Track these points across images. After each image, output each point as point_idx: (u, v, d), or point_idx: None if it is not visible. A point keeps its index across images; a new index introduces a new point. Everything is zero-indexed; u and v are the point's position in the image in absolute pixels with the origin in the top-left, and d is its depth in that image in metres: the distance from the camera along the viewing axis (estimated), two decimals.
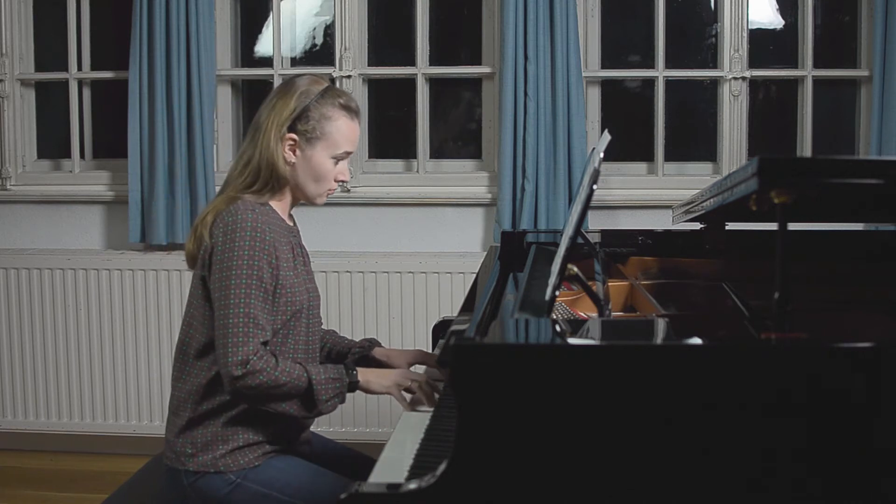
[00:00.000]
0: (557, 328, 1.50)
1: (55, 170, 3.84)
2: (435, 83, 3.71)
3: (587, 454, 1.34)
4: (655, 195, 3.50)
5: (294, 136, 1.93)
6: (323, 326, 2.25)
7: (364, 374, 1.95)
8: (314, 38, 3.85)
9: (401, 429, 1.79)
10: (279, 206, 1.98)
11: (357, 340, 2.22)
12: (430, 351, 2.42)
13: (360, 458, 2.13)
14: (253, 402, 1.84)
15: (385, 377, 1.98)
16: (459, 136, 3.82)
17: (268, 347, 1.87)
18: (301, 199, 2.02)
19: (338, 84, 3.60)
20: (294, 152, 1.94)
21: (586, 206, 1.78)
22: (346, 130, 1.96)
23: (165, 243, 3.53)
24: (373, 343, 2.20)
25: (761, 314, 1.77)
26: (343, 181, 2.01)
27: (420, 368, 2.18)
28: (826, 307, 2.01)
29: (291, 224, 2.04)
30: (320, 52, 3.81)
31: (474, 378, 1.37)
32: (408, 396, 1.97)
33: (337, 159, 1.97)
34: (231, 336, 1.80)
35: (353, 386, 1.93)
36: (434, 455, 1.59)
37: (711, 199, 1.86)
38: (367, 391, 1.97)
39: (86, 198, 3.72)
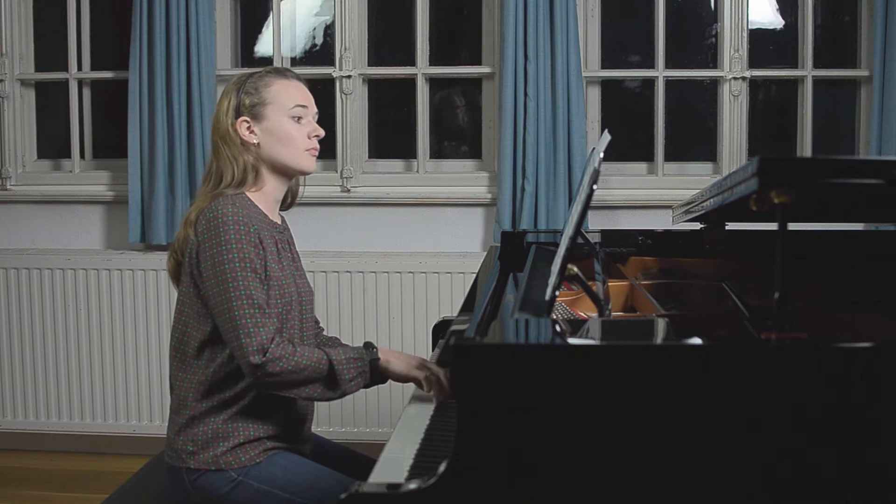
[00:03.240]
0: (557, 328, 1.50)
1: (55, 170, 3.84)
2: (435, 83, 3.71)
3: (587, 454, 1.34)
4: (655, 195, 3.50)
5: (244, 118, 1.95)
6: (325, 333, 2.25)
7: (385, 354, 1.92)
8: (314, 38, 3.85)
9: (401, 428, 1.79)
10: (260, 197, 1.97)
11: (355, 347, 2.19)
12: (429, 351, 2.42)
13: (360, 458, 2.12)
14: (276, 390, 1.84)
15: (406, 361, 1.94)
16: (459, 136, 3.82)
17: (283, 334, 1.88)
18: (287, 173, 1.99)
19: (337, 84, 3.60)
20: (252, 132, 1.95)
21: (586, 206, 1.78)
22: (286, 87, 1.97)
23: (165, 243, 3.53)
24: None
25: (761, 314, 1.77)
26: (318, 136, 2.00)
27: None
28: (826, 307, 2.01)
29: (279, 222, 2.03)
30: (320, 52, 3.81)
31: (474, 378, 1.37)
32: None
33: (295, 117, 1.96)
34: (241, 328, 1.79)
35: (374, 364, 1.89)
36: (434, 455, 1.59)
37: (711, 199, 1.86)
38: (387, 371, 1.92)
39: (86, 198, 3.73)
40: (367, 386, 1.91)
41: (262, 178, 1.97)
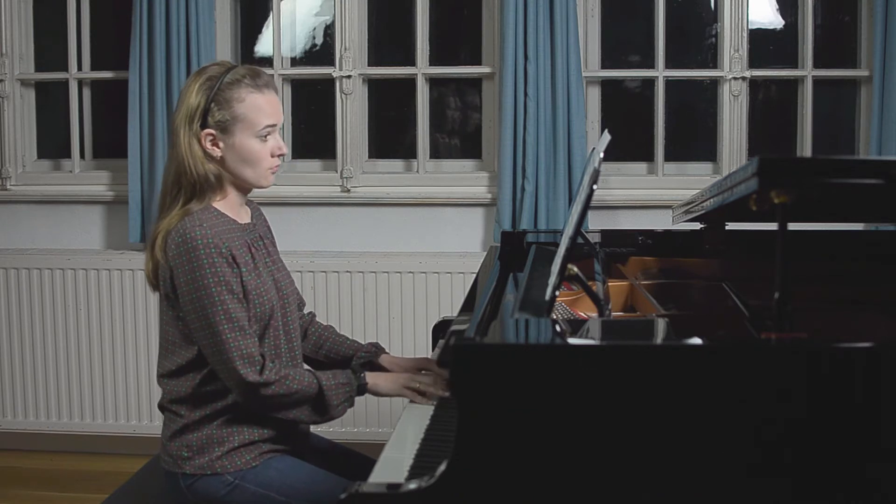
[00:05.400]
0: (557, 328, 1.50)
1: (55, 170, 3.84)
2: (435, 83, 3.71)
3: (587, 454, 1.34)
4: (655, 195, 3.50)
5: (210, 130, 1.87)
6: (319, 320, 2.25)
7: (372, 378, 1.96)
8: (314, 38, 3.85)
9: (401, 428, 1.80)
10: (226, 204, 1.93)
11: (362, 344, 2.19)
12: (430, 351, 2.42)
13: (360, 458, 2.12)
14: (265, 411, 1.85)
15: (393, 381, 1.98)
16: (459, 135, 3.82)
17: (271, 351, 1.89)
18: (247, 187, 1.95)
19: (337, 84, 3.60)
20: (216, 146, 1.88)
21: (586, 206, 1.78)
22: (261, 104, 1.88)
23: None
24: (378, 349, 2.17)
25: (761, 314, 1.77)
26: (281, 155, 1.94)
27: None
28: (826, 307, 2.01)
29: (247, 220, 1.99)
30: (320, 52, 3.81)
31: (474, 378, 1.37)
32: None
33: (262, 136, 1.89)
34: (228, 351, 1.80)
35: (362, 389, 1.93)
36: (434, 455, 1.59)
37: (711, 199, 1.86)
38: (376, 394, 1.97)
39: (86, 198, 3.72)
40: (352, 406, 1.93)
41: (225, 188, 1.93)
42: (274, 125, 1.92)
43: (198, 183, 1.88)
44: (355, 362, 2.15)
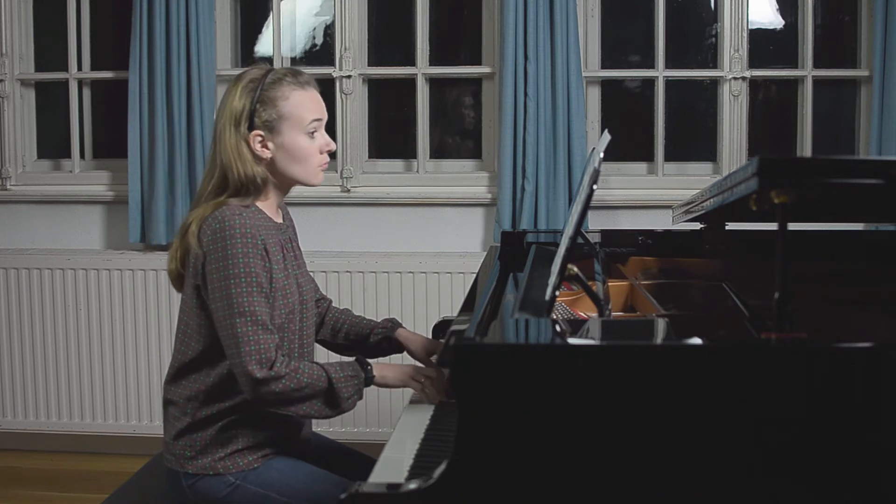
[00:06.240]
0: (557, 328, 1.50)
1: (55, 170, 3.84)
2: (435, 83, 3.71)
3: (587, 454, 1.35)
4: (655, 195, 3.50)
5: (258, 132, 1.88)
6: (335, 305, 2.26)
7: (379, 369, 1.94)
8: (314, 38, 3.85)
9: (401, 428, 1.80)
10: (265, 204, 1.94)
11: (378, 321, 2.20)
12: None
13: (360, 458, 2.12)
14: (275, 407, 1.83)
15: (399, 371, 1.97)
16: (460, 135, 3.82)
17: (284, 346, 1.89)
18: (294, 185, 1.96)
19: (337, 84, 3.60)
20: (266, 147, 1.89)
21: (586, 206, 1.78)
22: (304, 100, 1.91)
23: (165, 243, 3.53)
24: (395, 324, 2.18)
25: (761, 314, 1.77)
26: (330, 150, 1.96)
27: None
28: (826, 307, 2.01)
29: (280, 220, 2.00)
30: (320, 52, 3.81)
31: (474, 378, 1.37)
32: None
33: (310, 133, 1.91)
34: (243, 345, 1.78)
35: (370, 380, 1.91)
36: (434, 455, 1.59)
37: (711, 199, 1.86)
38: (384, 385, 1.96)
39: (86, 198, 3.72)
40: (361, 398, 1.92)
41: (268, 190, 1.94)
42: (320, 120, 1.94)
43: (243, 184, 1.88)
44: (371, 339, 2.17)
